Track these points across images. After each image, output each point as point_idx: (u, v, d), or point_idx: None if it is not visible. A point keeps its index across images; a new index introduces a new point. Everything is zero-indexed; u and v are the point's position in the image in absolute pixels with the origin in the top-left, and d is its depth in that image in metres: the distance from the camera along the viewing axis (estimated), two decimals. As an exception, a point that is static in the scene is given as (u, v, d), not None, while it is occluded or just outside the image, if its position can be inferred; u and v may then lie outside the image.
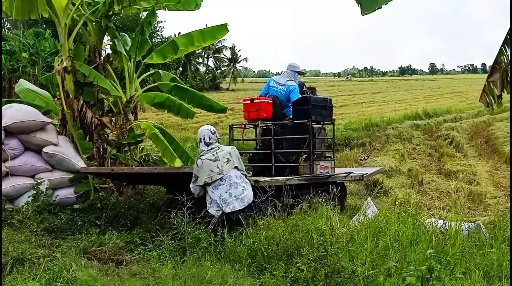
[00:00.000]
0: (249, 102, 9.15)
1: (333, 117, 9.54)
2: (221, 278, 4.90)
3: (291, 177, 8.29)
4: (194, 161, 9.46)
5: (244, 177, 6.92)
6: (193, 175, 6.88)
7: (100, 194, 8.28)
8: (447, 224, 6.44)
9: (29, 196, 7.72)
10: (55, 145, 8.13)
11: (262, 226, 5.92)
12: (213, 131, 7.06)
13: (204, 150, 6.91)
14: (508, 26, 6.25)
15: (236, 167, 6.86)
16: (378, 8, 5.87)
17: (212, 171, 6.74)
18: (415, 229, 6.28)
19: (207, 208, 6.82)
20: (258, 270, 5.44)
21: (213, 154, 6.81)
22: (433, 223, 6.62)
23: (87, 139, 8.61)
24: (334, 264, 4.93)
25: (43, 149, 8.05)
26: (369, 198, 8.33)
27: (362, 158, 17.22)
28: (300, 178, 8.47)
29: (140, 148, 9.64)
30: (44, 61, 28.64)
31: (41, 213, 7.36)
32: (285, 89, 9.27)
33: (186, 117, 9.09)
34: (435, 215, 9.05)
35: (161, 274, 5.20)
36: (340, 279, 4.87)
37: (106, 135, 8.96)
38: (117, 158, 8.82)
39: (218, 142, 7.07)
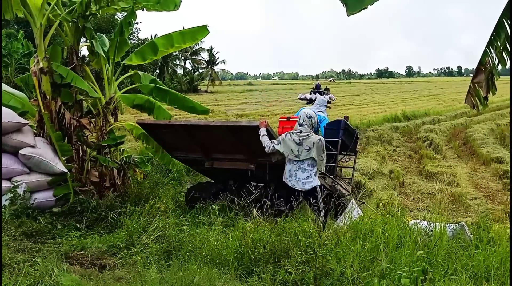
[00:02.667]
0: (285, 119, 10.11)
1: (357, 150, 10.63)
2: (209, 282, 4.79)
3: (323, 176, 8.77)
4: (175, 164, 9.45)
5: (315, 167, 7.38)
6: (277, 139, 7.46)
7: (80, 197, 8.08)
8: (431, 225, 6.43)
9: (6, 200, 7.48)
10: (33, 147, 7.91)
11: (249, 229, 5.80)
12: (308, 115, 7.50)
13: (296, 131, 7.42)
14: (484, 28, 6.27)
15: (312, 158, 7.30)
16: (364, 9, 5.83)
17: (292, 151, 7.33)
18: (401, 231, 6.25)
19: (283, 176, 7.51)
20: (246, 273, 5.34)
21: (299, 139, 7.32)
22: (418, 225, 6.61)
23: (66, 140, 8.40)
24: (323, 266, 4.85)
25: (20, 151, 7.82)
26: (353, 200, 8.27)
27: (343, 160, 17.21)
28: (325, 182, 8.80)
29: (121, 150, 9.46)
30: (17, 63, 28.11)
31: (19, 217, 7.16)
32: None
33: (163, 120, 8.98)
34: (418, 217, 9.06)
35: (147, 278, 5.08)
36: (329, 281, 4.80)
37: (85, 137, 8.77)
38: (97, 160, 8.64)
39: (313, 127, 7.50)
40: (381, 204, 8.52)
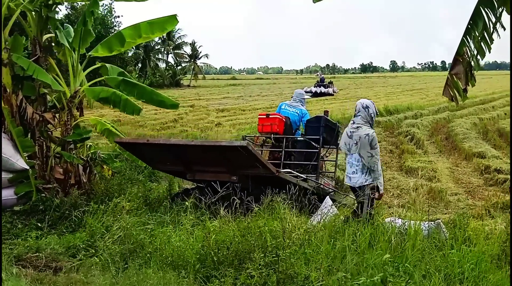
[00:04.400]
0: (265, 116, 10.06)
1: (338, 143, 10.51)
2: (164, 288, 4.47)
3: (305, 178, 8.85)
4: None
5: (361, 162, 7.02)
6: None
7: (43, 195, 7.74)
8: (406, 223, 6.16)
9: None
10: (-8, 143, 7.54)
11: (212, 229, 5.48)
12: (365, 106, 7.11)
13: (351, 121, 7.25)
14: (466, 21, 6.00)
15: (360, 153, 7.02)
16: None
17: (345, 144, 7.17)
18: (374, 230, 5.99)
19: None
20: (207, 277, 5.02)
21: (351, 131, 7.08)
22: (392, 223, 6.35)
23: (28, 136, 8.03)
24: (287, 269, 4.56)
25: (-22, 148, 7.46)
26: (327, 197, 7.96)
27: (323, 156, 16.97)
28: (308, 185, 8.82)
29: (88, 146, 9.09)
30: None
31: (-23, 216, 6.81)
32: (298, 112, 10.36)
33: (133, 113, 8.58)
34: (395, 214, 8.81)
35: (101, 282, 4.76)
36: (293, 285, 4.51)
37: (49, 132, 8.40)
38: (62, 156, 8.27)
39: (370, 119, 7.14)
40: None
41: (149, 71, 66.68)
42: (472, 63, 5.94)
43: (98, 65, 8.99)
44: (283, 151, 9.66)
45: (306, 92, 46.75)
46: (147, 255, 5.54)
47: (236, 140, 16.28)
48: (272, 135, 9.98)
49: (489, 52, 5.85)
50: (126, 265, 5.42)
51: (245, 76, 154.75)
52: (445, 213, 10.23)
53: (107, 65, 9.01)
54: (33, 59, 8.06)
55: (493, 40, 5.84)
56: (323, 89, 46.70)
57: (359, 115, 7.08)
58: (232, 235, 5.28)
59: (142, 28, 8.68)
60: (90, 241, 6.38)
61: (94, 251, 5.88)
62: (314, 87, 47.82)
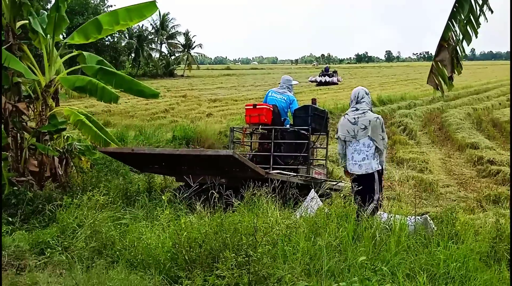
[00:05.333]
0: (252, 107, 9.86)
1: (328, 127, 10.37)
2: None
3: (295, 174, 8.84)
4: None
5: (372, 147, 6.93)
6: (336, 136, 7.30)
7: (16, 188, 7.41)
8: (391, 218, 5.87)
9: None
10: (-38, 134, 7.22)
11: (184, 225, 5.15)
12: (367, 92, 7.19)
13: (351, 109, 7.10)
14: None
15: (369, 137, 6.93)
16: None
17: (348, 132, 6.99)
18: (357, 225, 5.70)
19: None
20: (177, 277, 4.71)
21: (354, 117, 6.97)
22: (378, 217, 6.06)
23: (1, 127, 7.69)
24: (259, 270, 4.25)
25: None
26: (312, 190, 7.65)
27: (314, 146, 16.70)
28: (300, 177, 8.83)
29: (65, 137, 8.75)
30: None
31: None
32: (285, 99, 10.17)
33: (110, 102, 8.23)
34: (386, 206, 8.53)
35: (60, 283, 4.46)
36: (265, 288, 4.21)
37: (24, 123, 8.06)
38: (36, 148, 7.93)
39: (371, 104, 7.26)
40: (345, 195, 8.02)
41: (142, 61, 66.20)
42: (458, 49, 5.60)
43: (75, 53, 8.63)
44: (272, 143, 9.50)
45: (311, 81, 48.98)
46: (116, 253, 5.23)
47: (225, 134, 16.00)
48: (261, 126, 9.88)
49: (476, 37, 5.52)
50: (94, 263, 5.11)
51: (239, 66, 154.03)
52: (436, 206, 9.96)
53: (85, 53, 8.65)
54: (5, 46, 7.71)
55: (480, 24, 5.51)
56: (327, 78, 48.00)
57: (363, 101, 7.05)
58: (204, 232, 4.95)
59: (120, 14, 8.33)
60: (60, 237, 6.08)
61: (60, 249, 5.56)
62: (319, 76, 49.26)
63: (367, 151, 6.93)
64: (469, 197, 10.83)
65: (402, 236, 5.43)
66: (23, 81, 8.16)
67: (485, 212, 9.20)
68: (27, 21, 8.17)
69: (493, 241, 5.43)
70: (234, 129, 10.56)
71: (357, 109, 7.02)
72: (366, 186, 6.78)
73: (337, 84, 47.42)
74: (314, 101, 10.34)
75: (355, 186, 6.68)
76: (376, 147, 6.93)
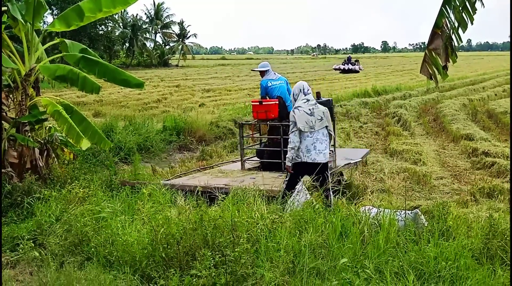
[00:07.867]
0: (258, 103, 9.81)
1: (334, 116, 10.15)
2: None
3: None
4: (107, 143, 8.43)
5: (328, 137, 7.31)
6: (290, 123, 7.22)
7: (-7, 180, 7.15)
8: (381, 213, 5.65)
9: None
10: None
11: (161, 222, 4.90)
12: (308, 84, 7.55)
13: (302, 101, 7.25)
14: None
15: (326, 126, 7.24)
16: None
17: (307, 123, 7.12)
18: (344, 220, 5.47)
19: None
20: (151, 277, 4.47)
21: (310, 109, 7.18)
22: (367, 212, 5.84)
23: (-21, 117, 7.43)
24: (237, 270, 4.01)
25: None
26: (300, 182, 7.35)
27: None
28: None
29: (47, 127, 8.46)
30: None
31: None
32: (282, 82, 10.04)
33: (92, 92, 7.91)
34: (375, 199, 8.30)
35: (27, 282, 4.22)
36: (243, 288, 3.97)
37: (4, 113, 7.79)
38: (16, 139, 7.66)
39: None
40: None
41: (136, 50, 65.83)
42: (453, 36, 5.33)
43: (57, 40, 8.34)
44: (281, 138, 9.25)
45: (335, 69, 54.62)
46: (92, 250, 4.99)
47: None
48: (269, 123, 9.79)
49: (472, 23, 5.25)
50: (68, 260, 4.88)
51: (235, 56, 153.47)
52: (429, 199, 9.71)
53: (67, 41, 8.35)
54: (-18, 34, 7.43)
55: (476, 9, 5.24)
56: (350, 66, 52.57)
57: (309, 93, 7.35)
58: (182, 228, 4.71)
59: (103, 1, 8.00)
60: (36, 232, 5.86)
61: (33, 244, 5.31)
62: (343, 64, 54.13)
63: (326, 141, 7.26)
64: (463, 190, 10.59)
65: (391, 232, 5.21)
66: (2, 70, 7.86)
67: (478, 205, 8.96)
68: (5, 8, 7.87)
69: (486, 237, 5.21)
70: (243, 124, 10.49)
71: (308, 100, 7.25)
72: (324, 175, 7.14)
73: (358, 72, 51.12)
74: (318, 94, 10.05)
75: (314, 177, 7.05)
76: (330, 135, 7.35)
